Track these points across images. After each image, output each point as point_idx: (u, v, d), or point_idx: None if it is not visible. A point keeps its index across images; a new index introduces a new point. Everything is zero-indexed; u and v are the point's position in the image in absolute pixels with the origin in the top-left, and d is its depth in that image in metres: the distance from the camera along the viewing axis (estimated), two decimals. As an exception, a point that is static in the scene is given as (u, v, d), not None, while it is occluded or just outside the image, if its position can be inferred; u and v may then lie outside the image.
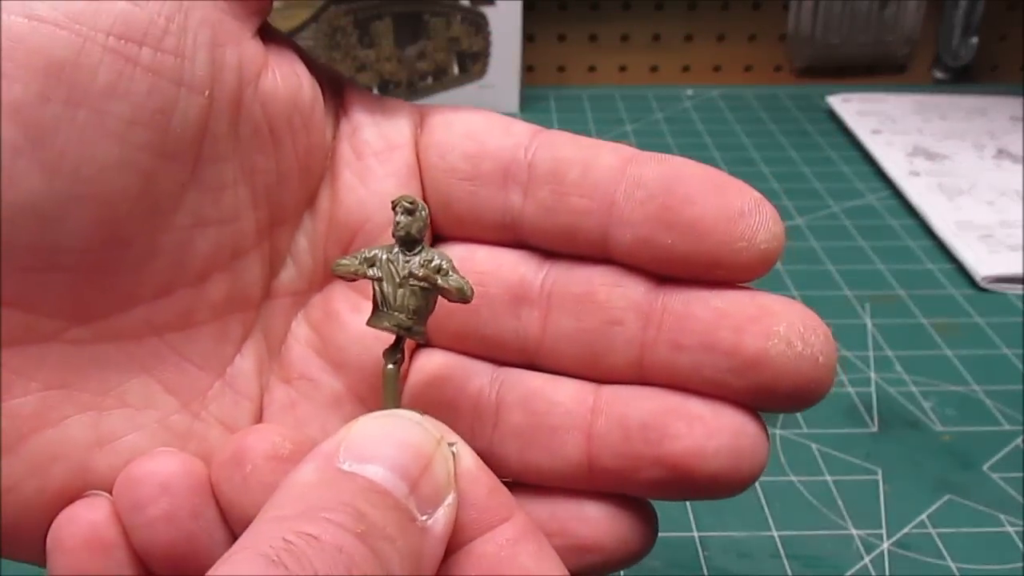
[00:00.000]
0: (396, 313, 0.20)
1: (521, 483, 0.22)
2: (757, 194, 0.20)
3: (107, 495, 0.19)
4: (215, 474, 0.19)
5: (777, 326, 0.20)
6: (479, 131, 0.22)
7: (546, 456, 0.22)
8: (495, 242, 0.23)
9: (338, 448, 0.17)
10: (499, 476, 0.22)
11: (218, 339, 0.21)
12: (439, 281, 0.20)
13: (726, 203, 0.20)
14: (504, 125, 0.22)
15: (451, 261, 0.20)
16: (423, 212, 0.20)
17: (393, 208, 0.20)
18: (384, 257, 0.20)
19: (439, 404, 0.22)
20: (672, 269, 0.21)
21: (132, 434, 0.20)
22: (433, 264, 0.20)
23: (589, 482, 0.22)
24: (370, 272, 0.20)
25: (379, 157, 0.22)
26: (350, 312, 0.22)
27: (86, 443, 0.19)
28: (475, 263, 0.22)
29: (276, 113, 0.20)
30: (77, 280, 0.19)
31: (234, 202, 0.20)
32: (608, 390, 0.21)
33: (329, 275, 0.23)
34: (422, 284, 0.20)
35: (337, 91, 0.23)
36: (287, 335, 0.22)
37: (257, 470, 0.19)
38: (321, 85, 0.22)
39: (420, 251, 0.20)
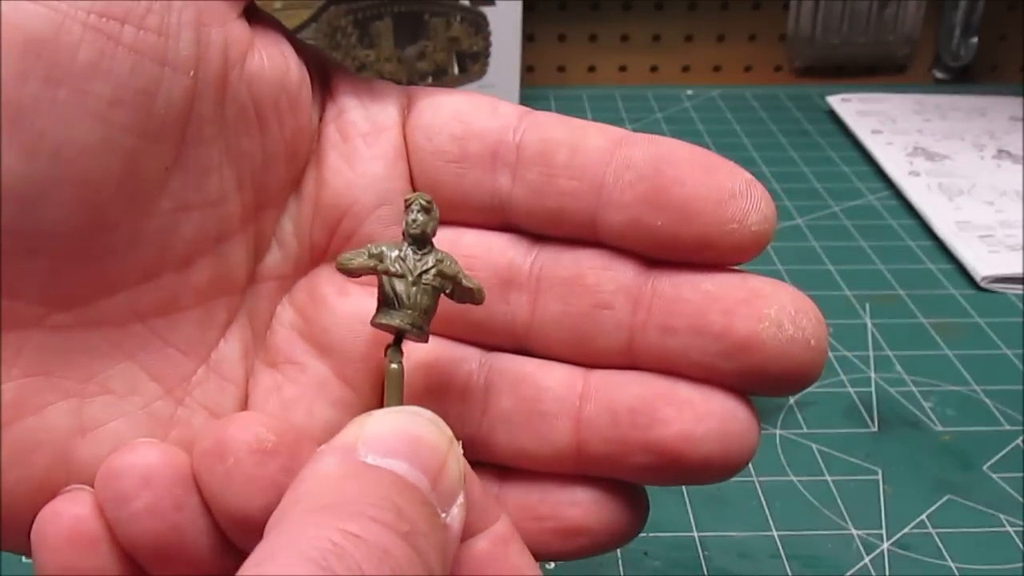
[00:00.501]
0: (409, 311, 0.20)
1: (510, 467, 0.22)
2: (748, 175, 0.20)
3: (89, 488, 0.19)
4: (197, 463, 0.19)
5: (768, 309, 0.19)
6: (466, 112, 0.22)
7: (535, 441, 0.22)
8: (483, 225, 0.23)
9: (356, 442, 0.17)
10: (488, 461, 0.22)
11: (202, 324, 0.21)
12: (464, 281, 0.20)
13: (717, 184, 0.20)
14: (491, 106, 0.22)
15: (457, 262, 0.20)
16: (436, 212, 0.20)
17: (408, 206, 0.20)
18: (394, 254, 0.20)
19: (428, 389, 0.22)
20: (662, 251, 0.21)
21: (115, 421, 0.19)
22: (446, 264, 0.20)
23: (578, 467, 0.22)
24: (392, 268, 0.20)
25: (366, 139, 0.22)
26: (336, 296, 0.22)
27: (68, 431, 0.19)
28: (463, 247, 0.22)
29: (262, 94, 0.20)
30: (59, 265, 0.18)
31: (219, 185, 0.20)
32: (597, 375, 0.21)
33: (315, 259, 0.22)
34: (439, 283, 0.20)
35: (323, 73, 0.22)
36: (272, 319, 0.22)
37: (240, 463, 0.18)
38: (307, 66, 0.21)
39: (430, 250, 0.20)
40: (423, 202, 0.20)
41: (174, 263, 0.20)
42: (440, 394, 0.22)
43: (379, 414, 0.18)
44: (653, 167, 0.20)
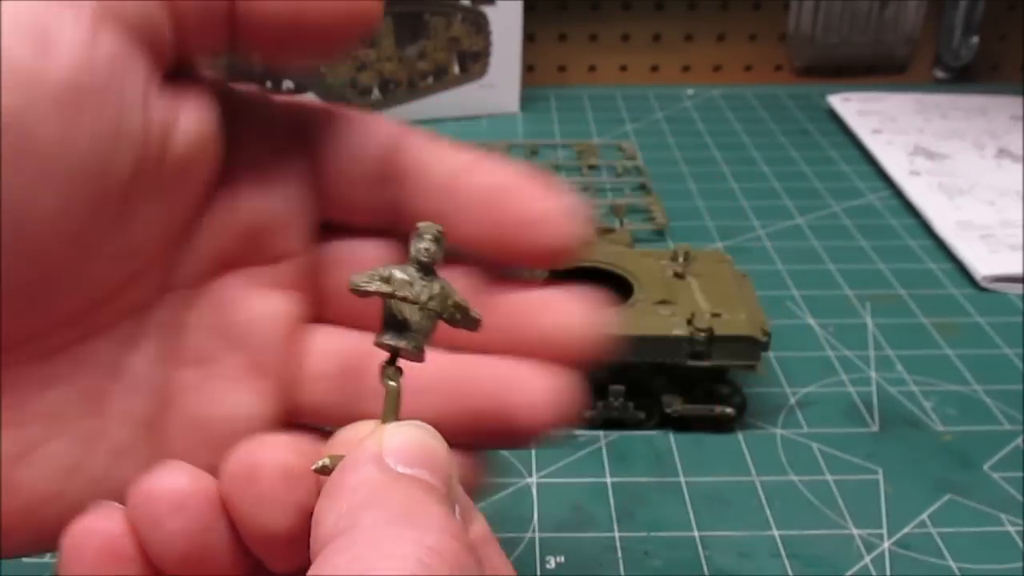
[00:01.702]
0: (415, 335, 0.21)
1: None
2: (570, 196, 0.23)
3: (119, 506, 0.20)
4: (227, 486, 0.20)
5: (578, 312, 0.23)
6: (372, 132, 0.24)
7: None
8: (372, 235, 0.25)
9: (379, 452, 0.19)
10: None
11: (117, 341, 0.22)
12: (471, 312, 0.21)
13: (550, 206, 0.23)
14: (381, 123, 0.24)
15: (456, 291, 0.22)
16: (444, 242, 0.21)
17: (420, 234, 0.21)
18: (401, 278, 0.21)
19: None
20: (499, 261, 0.24)
21: (50, 443, 0.21)
22: (449, 291, 0.21)
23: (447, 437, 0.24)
24: (404, 293, 0.21)
25: (277, 159, 0.23)
26: (249, 295, 0.23)
27: (10, 456, 0.20)
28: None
29: (190, 151, 0.21)
30: None
31: (146, 230, 0.21)
32: (456, 358, 0.24)
33: (228, 266, 0.23)
34: (441, 309, 0.21)
35: (230, 105, 0.23)
36: (185, 323, 0.23)
37: (273, 488, 0.20)
38: (222, 107, 0.23)
39: (434, 277, 0.21)
40: (436, 232, 0.21)
41: (99, 300, 0.21)
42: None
43: (392, 427, 0.20)
44: (494, 192, 0.23)
